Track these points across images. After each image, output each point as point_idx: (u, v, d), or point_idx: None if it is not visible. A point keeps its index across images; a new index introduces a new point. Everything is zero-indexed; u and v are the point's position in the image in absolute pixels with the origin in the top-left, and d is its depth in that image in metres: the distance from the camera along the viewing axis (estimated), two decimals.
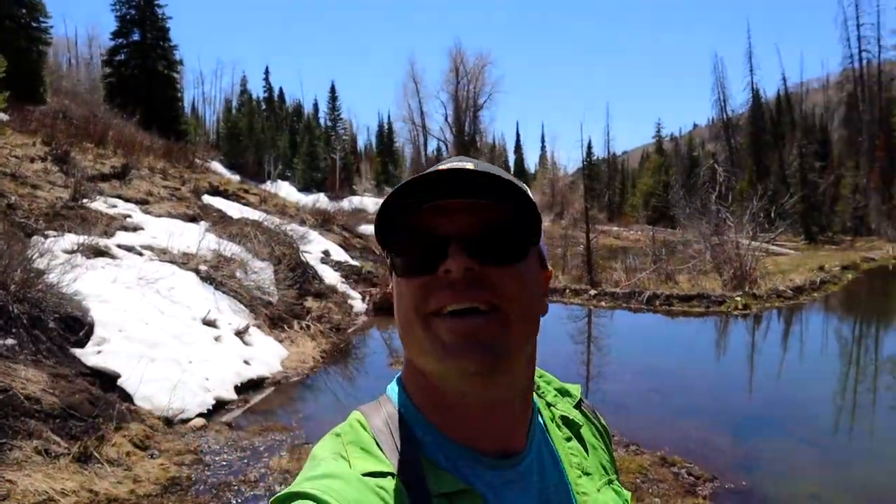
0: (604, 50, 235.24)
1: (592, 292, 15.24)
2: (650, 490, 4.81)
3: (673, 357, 9.97)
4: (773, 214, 22.31)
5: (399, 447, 0.71)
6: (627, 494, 0.86)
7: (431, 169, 0.70)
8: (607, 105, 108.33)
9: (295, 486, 0.64)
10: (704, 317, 12.85)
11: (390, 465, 0.69)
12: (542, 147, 75.43)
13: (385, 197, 0.71)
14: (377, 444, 0.71)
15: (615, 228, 43.91)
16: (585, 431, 0.87)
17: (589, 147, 62.09)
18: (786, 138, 47.44)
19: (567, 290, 15.66)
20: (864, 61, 45.52)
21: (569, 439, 0.84)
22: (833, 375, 8.88)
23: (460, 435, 0.74)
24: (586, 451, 0.85)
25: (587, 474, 0.82)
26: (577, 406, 0.90)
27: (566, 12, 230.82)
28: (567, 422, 0.86)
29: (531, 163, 78.43)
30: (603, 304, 14.53)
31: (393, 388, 0.81)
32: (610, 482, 0.85)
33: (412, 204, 0.71)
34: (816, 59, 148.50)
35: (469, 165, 0.72)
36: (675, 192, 26.23)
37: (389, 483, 0.66)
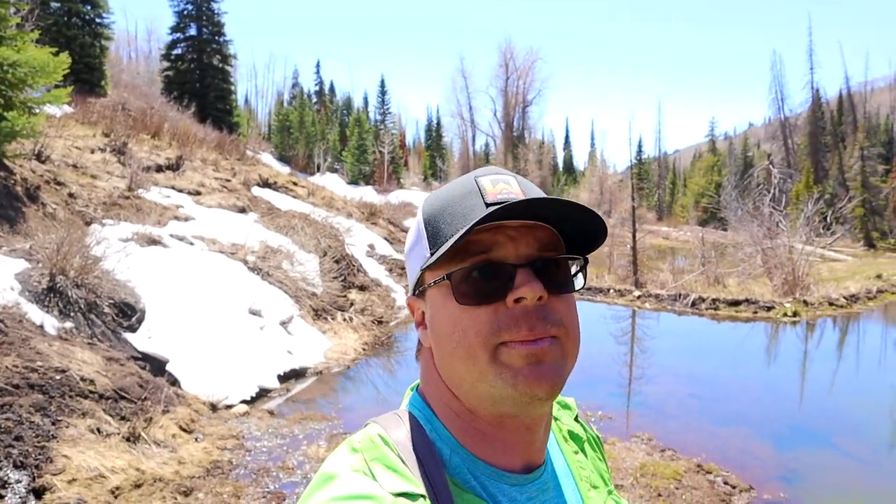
0: (657, 46, 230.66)
1: (637, 293, 15.05)
2: (684, 497, 4.76)
3: (716, 363, 9.78)
4: (829, 219, 21.58)
5: (425, 466, 0.68)
6: (626, 502, 0.87)
7: (513, 200, 0.69)
8: (659, 102, 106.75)
9: None
10: (751, 322, 12.55)
11: (419, 485, 0.65)
12: (592, 144, 74.51)
13: (439, 218, 0.73)
14: (402, 462, 0.68)
15: (664, 228, 43.14)
16: (587, 445, 0.89)
17: (639, 145, 61.10)
18: (847, 140, 45.72)
19: (611, 291, 15.51)
20: None
21: (576, 453, 0.85)
22: (889, 390, 8.55)
23: (490, 455, 0.73)
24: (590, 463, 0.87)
25: (595, 487, 0.83)
26: (575, 418, 0.92)
27: (618, 7, 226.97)
28: (572, 436, 0.87)
29: (580, 160, 77.54)
30: (647, 305, 14.34)
31: (414, 405, 0.78)
32: (610, 492, 0.85)
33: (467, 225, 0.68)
34: (883, 57, 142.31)
35: (514, 182, 0.74)
36: (728, 192, 25.58)
37: None
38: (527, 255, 0.70)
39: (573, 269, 0.75)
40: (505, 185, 0.73)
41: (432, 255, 0.71)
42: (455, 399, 0.73)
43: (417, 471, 0.67)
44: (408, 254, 0.80)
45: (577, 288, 0.74)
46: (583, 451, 0.87)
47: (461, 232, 0.66)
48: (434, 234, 0.73)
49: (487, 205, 0.70)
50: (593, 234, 0.75)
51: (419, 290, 0.76)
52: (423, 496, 0.64)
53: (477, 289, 0.69)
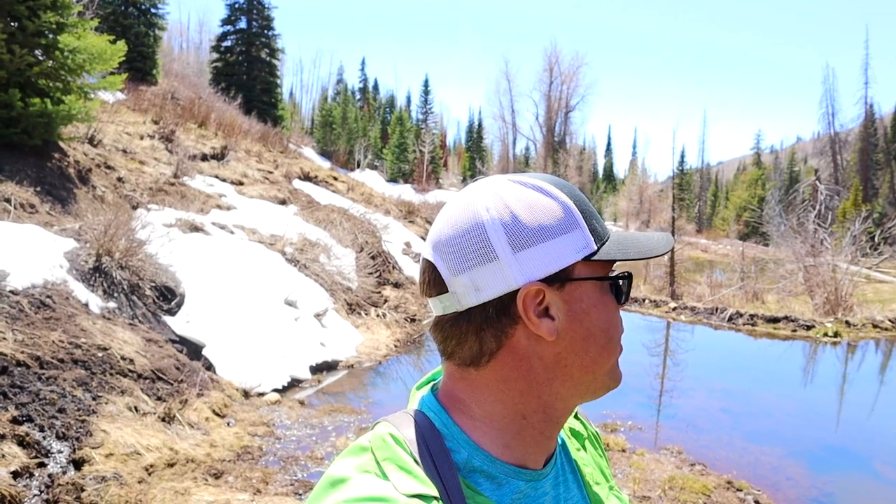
0: (704, 55, 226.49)
1: (672, 305, 14.83)
2: None
3: (751, 379, 9.58)
4: (877, 239, 20.94)
5: (438, 467, 0.66)
6: (626, 498, 0.87)
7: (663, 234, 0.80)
8: (704, 112, 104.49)
9: None
10: (789, 340, 12.25)
11: (433, 486, 0.63)
12: (634, 153, 73.60)
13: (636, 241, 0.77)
14: (415, 462, 0.66)
15: (703, 241, 42.47)
16: (588, 441, 0.89)
17: (682, 155, 60.19)
18: None
19: (647, 301, 15.31)
20: None
21: (578, 450, 0.85)
22: None
23: (522, 457, 0.72)
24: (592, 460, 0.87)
25: (597, 483, 0.83)
26: (575, 415, 0.91)
27: (665, 14, 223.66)
28: (574, 433, 0.88)
29: (620, 168, 76.69)
30: (682, 317, 14.12)
31: (428, 405, 0.75)
32: (611, 488, 0.86)
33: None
34: None
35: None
36: (771, 207, 25.05)
37: None
38: None
39: None
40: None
41: (599, 248, 0.72)
42: (535, 398, 0.72)
43: (430, 471, 0.65)
44: (542, 234, 0.69)
45: None
46: (584, 447, 0.87)
47: (668, 248, 0.77)
48: (593, 228, 0.72)
49: None
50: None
51: (561, 279, 0.69)
52: (436, 498, 0.62)
53: (624, 290, 0.76)
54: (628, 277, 0.75)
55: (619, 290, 0.74)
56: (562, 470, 0.79)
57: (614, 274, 0.74)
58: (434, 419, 0.72)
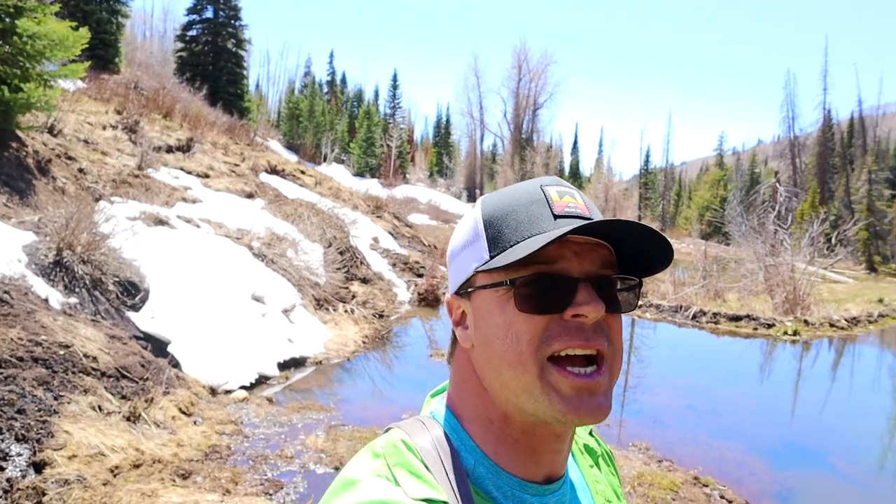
0: (671, 58, 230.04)
1: (638, 302, 15.05)
2: None
3: (715, 376, 9.79)
4: (833, 240, 21.54)
5: (448, 474, 0.67)
6: None
7: (578, 214, 0.71)
8: (670, 113, 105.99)
9: None
10: (751, 338, 12.54)
11: (443, 492, 0.64)
12: (600, 151, 74.31)
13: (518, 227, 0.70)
14: (426, 468, 0.67)
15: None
16: (601, 459, 0.89)
17: (647, 155, 61.03)
18: (855, 162, 45.71)
19: None
20: None
21: (591, 466, 0.86)
22: (883, 412, 8.57)
23: (515, 465, 0.72)
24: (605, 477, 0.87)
25: (609, 501, 0.83)
26: (590, 432, 0.92)
27: (633, 17, 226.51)
28: (588, 449, 0.88)
29: (586, 167, 77.39)
30: (647, 315, 14.34)
31: (440, 412, 0.78)
32: None
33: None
34: None
35: (577, 196, 0.74)
36: (733, 207, 25.65)
37: None
38: (589, 271, 0.69)
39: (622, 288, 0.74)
40: (571, 199, 0.73)
41: (492, 257, 0.70)
42: (491, 403, 0.72)
43: (441, 478, 0.66)
44: (457, 251, 0.77)
45: (629, 309, 0.74)
46: (597, 464, 0.87)
47: (541, 244, 0.65)
48: (495, 237, 0.71)
49: (555, 216, 0.70)
50: (652, 258, 0.74)
51: (466, 290, 0.74)
52: (445, 503, 0.63)
53: (539, 298, 0.68)
54: (519, 281, 0.68)
55: (528, 295, 0.68)
56: (572, 486, 0.79)
57: (517, 277, 0.68)
58: (443, 424, 0.75)
